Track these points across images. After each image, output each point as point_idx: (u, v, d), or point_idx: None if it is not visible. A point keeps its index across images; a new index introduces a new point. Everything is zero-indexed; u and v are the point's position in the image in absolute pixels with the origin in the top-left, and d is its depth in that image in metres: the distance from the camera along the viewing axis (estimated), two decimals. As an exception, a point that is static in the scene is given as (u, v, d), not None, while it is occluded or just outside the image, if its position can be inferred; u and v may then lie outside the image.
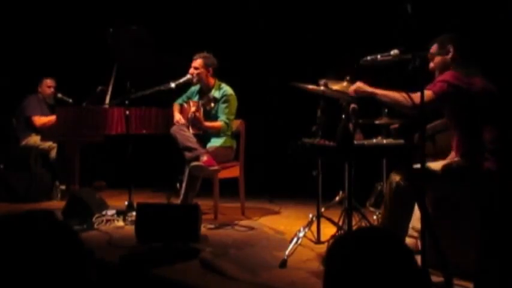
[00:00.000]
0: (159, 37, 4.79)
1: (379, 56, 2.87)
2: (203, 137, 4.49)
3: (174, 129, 4.36)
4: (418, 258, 2.21)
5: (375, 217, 3.76)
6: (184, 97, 4.76)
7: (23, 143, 5.68)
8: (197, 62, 4.54)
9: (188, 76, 4.52)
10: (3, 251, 1.03)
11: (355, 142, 2.74)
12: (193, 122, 4.42)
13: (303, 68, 5.00)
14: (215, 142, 4.49)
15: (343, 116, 2.75)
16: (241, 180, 4.62)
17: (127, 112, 4.48)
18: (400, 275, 1.07)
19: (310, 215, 3.32)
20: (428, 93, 2.71)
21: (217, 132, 4.52)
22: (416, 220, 3.02)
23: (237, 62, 5.53)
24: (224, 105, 4.52)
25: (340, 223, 3.23)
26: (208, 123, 4.48)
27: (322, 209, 3.41)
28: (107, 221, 4.11)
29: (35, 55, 6.30)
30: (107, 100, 5.11)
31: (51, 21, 6.40)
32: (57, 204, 4.80)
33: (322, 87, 3.04)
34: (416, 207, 2.97)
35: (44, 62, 6.20)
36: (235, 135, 4.68)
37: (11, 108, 5.84)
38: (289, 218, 4.51)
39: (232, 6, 5.89)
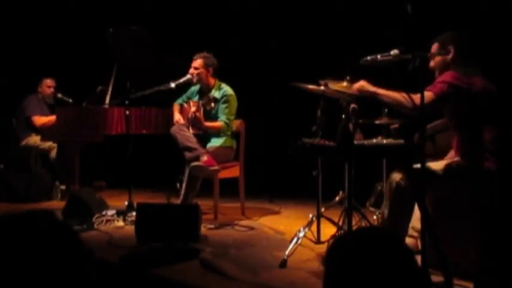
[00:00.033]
0: (159, 37, 4.79)
1: (379, 56, 2.87)
2: (203, 137, 4.49)
3: (174, 129, 4.36)
4: (418, 258, 2.21)
5: (374, 217, 3.77)
6: (184, 97, 4.76)
7: (23, 143, 5.68)
8: (197, 62, 4.54)
9: (188, 76, 4.52)
10: (3, 251, 1.03)
11: (355, 142, 2.74)
12: (193, 122, 4.42)
13: (303, 68, 5.00)
14: (215, 142, 4.49)
15: (343, 116, 2.75)
16: (241, 180, 4.62)
17: (127, 112, 4.48)
18: (400, 275, 1.07)
19: (310, 215, 3.32)
20: (428, 94, 2.71)
21: (217, 133, 4.52)
22: (416, 220, 3.02)
23: (237, 62, 5.53)
24: (224, 106, 4.52)
25: (340, 223, 3.23)
26: (208, 123, 4.48)
27: (322, 209, 3.41)
28: (107, 221, 4.10)
29: (35, 55, 6.30)
30: (107, 100, 5.11)
31: (51, 21, 6.40)
32: (57, 204, 4.80)
33: (322, 87, 3.04)
34: (416, 207, 2.97)
35: (44, 62, 6.20)
36: (235, 135, 4.68)
37: (11, 108, 5.84)
38: (289, 218, 4.51)
39: (232, 6, 5.89)
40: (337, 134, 2.69)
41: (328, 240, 3.28)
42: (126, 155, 4.40)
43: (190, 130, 4.42)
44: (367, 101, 2.93)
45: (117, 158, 5.21)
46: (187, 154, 4.23)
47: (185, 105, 4.67)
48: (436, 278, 2.44)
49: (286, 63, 5.52)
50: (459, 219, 2.81)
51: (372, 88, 2.86)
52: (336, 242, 1.21)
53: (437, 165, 2.89)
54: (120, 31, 4.63)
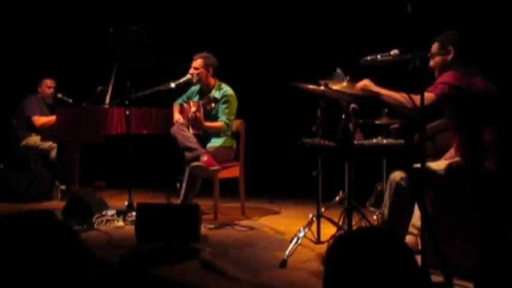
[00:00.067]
0: (159, 37, 4.78)
1: (379, 56, 2.86)
2: (203, 137, 4.49)
3: (174, 129, 4.36)
4: (418, 258, 2.21)
5: (375, 217, 3.77)
6: (184, 97, 4.76)
7: (23, 143, 5.68)
8: (197, 62, 4.54)
9: (188, 76, 4.52)
10: (3, 251, 1.03)
11: (355, 142, 2.74)
12: (193, 122, 4.42)
13: (303, 68, 5.00)
14: (215, 142, 4.49)
15: (343, 116, 2.75)
16: (241, 180, 4.62)
17: (127, 112, 4.48)
18: (400, 275, 1.07)
19: (310, 215, 3.32)
20: (429, 95, 2.71)
21: (217, 133, 4.52)
22: (416, 218, 3.02)
23: (237, 62, 5.53)
24: (224, 106, 4.52)
25: (340, 223, 3.23)
26: (208, 123, 4.48)
27: (322, 209, 3.41)
28: (107, 221, 4.10)
29: (35, 55, 6.30)
30: (107, 100, 5.11)
31: (51, 21, 6.40)
32: (57, 204, 4.80)
33: (322, 87, 3.04)
34: (416, 207, 2.97)
35: (44, 62, 6.20)
36: (235, 135, 4.68)
37: (11, 108, 5.84)
38: (289, 218, 4.51)
39: (232, 6, 5.89)
40: (337, 134, 2.69)
41: (328, 240, 3.28)
42: (126, 155, 4.40)
43: (190, 130, 4.42)
44: (367, 101, 2.94)
45: (117, 158, 5.21)
46: (188, 154, 4.23)
47: (185, 105, 4.67)
48: (436, 278, 2.44)
49: (286, 63, 5.51)
50: (459, 219, 2.81)
51: (375, 88, 2.87)
52: (336, 242, 1.21)
53: (437, 165, 2.90)
54: (120, 31, 4.63)
